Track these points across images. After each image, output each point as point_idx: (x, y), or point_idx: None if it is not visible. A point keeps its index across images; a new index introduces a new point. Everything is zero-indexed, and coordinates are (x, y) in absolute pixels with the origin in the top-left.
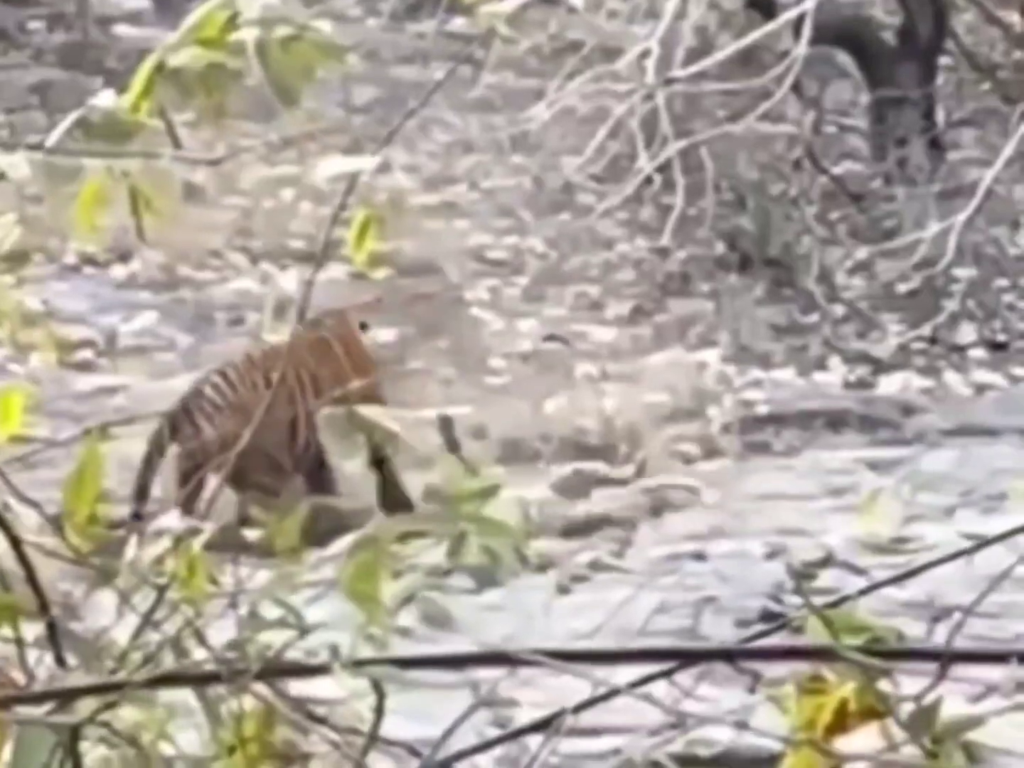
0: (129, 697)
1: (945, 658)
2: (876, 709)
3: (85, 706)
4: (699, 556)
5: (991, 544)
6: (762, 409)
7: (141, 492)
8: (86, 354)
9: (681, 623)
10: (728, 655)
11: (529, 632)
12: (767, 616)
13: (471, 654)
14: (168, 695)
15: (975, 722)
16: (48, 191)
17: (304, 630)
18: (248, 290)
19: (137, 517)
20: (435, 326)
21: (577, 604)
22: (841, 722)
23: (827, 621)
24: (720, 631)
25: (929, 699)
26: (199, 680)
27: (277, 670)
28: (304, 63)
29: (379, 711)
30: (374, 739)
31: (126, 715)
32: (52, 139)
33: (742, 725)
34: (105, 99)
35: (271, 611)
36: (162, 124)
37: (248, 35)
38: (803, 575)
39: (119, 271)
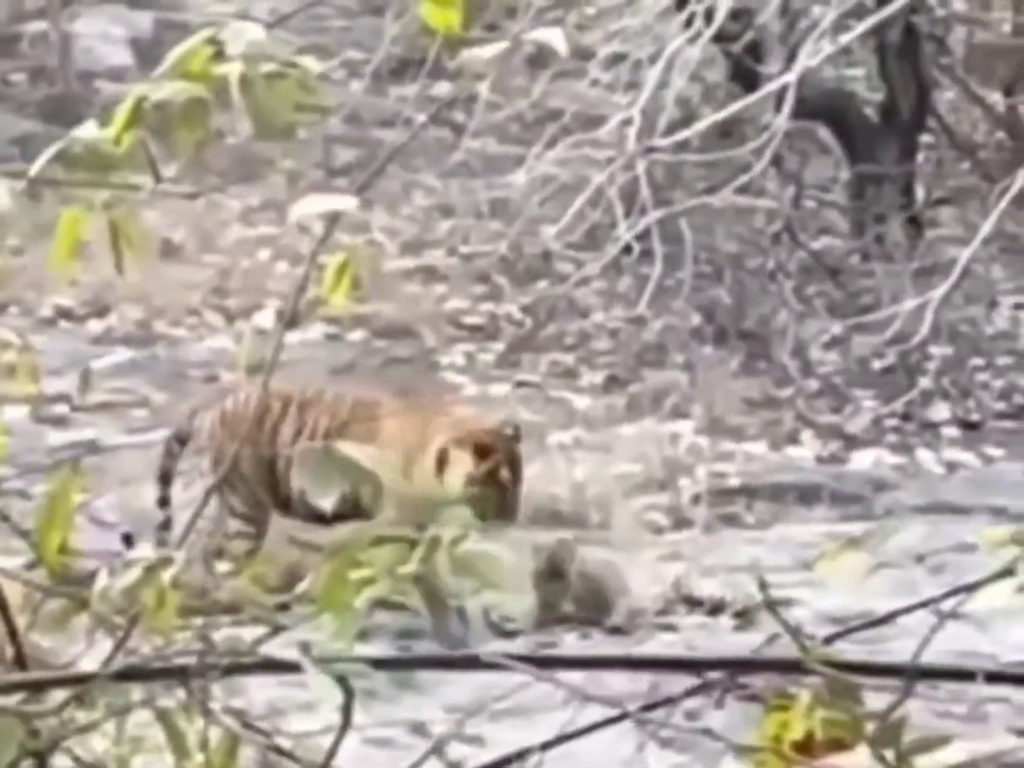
0: (97, 691)
1: (911, 674)
2: (842, 742)
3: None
4: (669, 627)
5: (939, 602)
6: (733, 481)
7: (164, 477)
8: (60, 408)
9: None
10: (698, 665)
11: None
12: None
13: (441, 656)
14: (134, 729)
15: (942, 740)
16: (26, 221)
17: (277, 627)
18: (223, 348)
19: (163, 503)
20: (409, 390)
21: None
22: (807, 752)
23: (799, 641)
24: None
25: (895, 716)
26: (167, 674)
27: (246, 665)
28: (287, 98)
29: (347, 711)
30: (332, 757)
31: (94, 746)
32: (35, 169)
33: (706, 731)
34: (87, 131)
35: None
36: (145, 162)
37: (233, 70)
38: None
39: (95, 326)
